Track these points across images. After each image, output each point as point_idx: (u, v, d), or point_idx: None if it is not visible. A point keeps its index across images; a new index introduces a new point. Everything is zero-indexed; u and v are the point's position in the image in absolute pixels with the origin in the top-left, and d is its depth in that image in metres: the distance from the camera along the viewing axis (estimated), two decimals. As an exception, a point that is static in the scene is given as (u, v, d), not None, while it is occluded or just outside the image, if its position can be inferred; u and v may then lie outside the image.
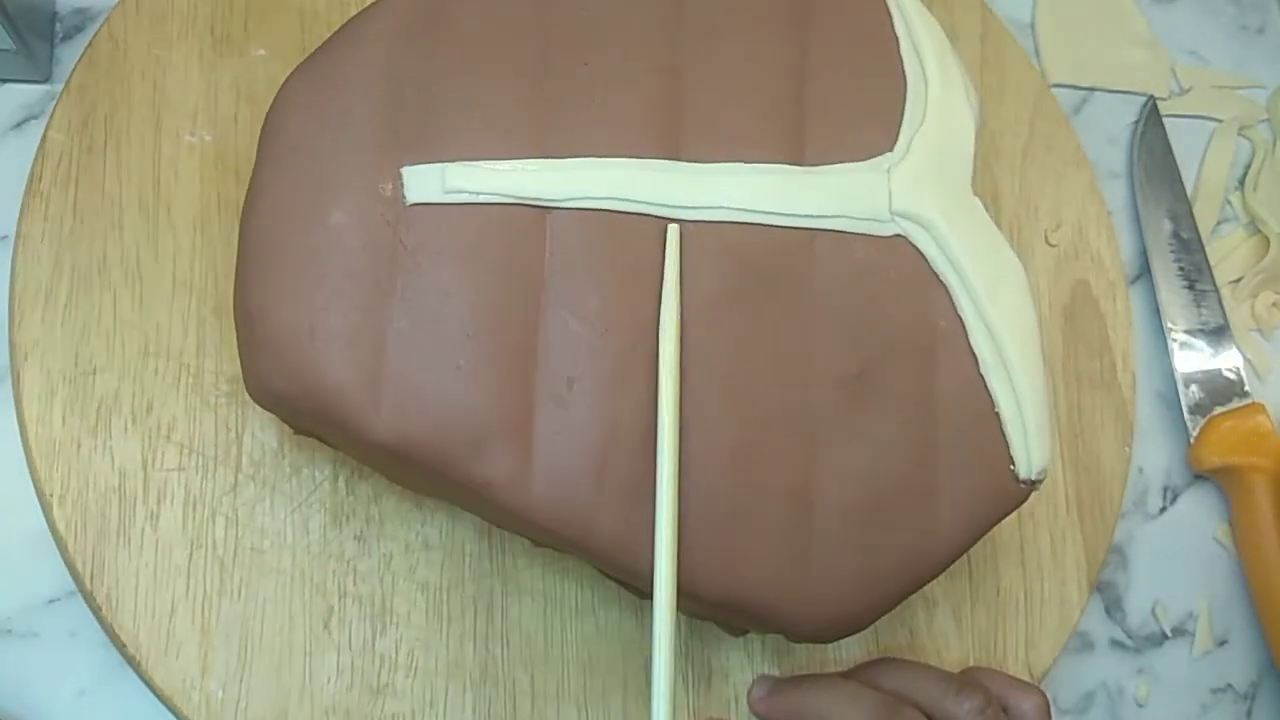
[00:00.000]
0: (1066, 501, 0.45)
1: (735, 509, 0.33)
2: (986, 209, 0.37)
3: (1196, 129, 0.53)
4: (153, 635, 0.36)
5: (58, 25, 0.42)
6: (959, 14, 0.49)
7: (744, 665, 0.40)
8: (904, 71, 0.37)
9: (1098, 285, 0.48)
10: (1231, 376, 0.49)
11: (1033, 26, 0.52)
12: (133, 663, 0.36)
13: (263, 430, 0.39)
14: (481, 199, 0.33)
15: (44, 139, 0.39)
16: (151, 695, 0.36)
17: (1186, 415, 0.49)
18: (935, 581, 0.42)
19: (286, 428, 0.38)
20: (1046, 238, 0.47)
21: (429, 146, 0.33)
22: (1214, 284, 0.50)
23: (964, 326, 0.36)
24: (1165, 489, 0.49)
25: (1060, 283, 0.47)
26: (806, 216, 0.35)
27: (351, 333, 0.32)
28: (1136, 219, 0.51)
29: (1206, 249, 0.50)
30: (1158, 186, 0.50)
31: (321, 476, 0.39)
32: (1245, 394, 0.49)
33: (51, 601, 0.38)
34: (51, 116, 0.39)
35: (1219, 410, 0.48)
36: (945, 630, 0.42)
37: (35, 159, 0.39)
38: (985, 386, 0.35)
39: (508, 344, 0.33)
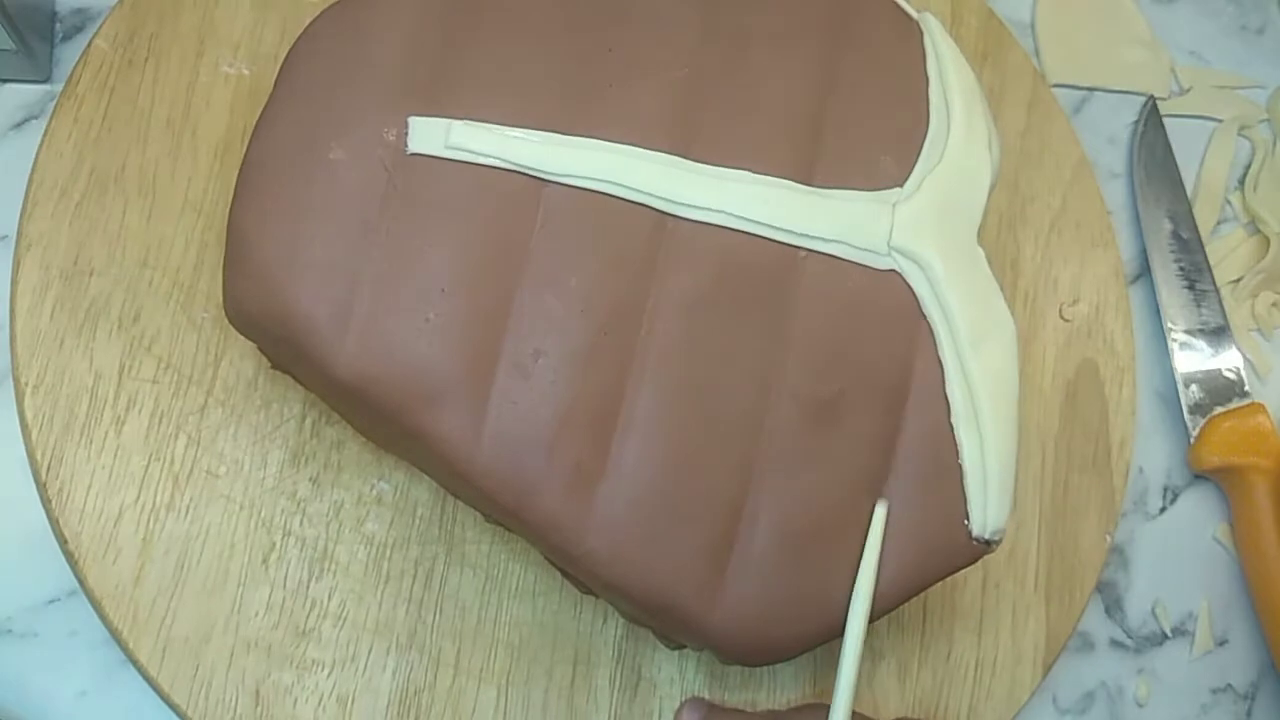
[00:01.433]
0: (1036, 580, 0.44)
1: (668, 508, 0.32)
2: (996, 273, 0.37)
3: (1196, 129, 0.52)
4: (95, 536, 0.37)
5: (58, 25, 0.43)
6: (1009, 78, 0.49)
7: (674, 680, 0.40)
8: (929, 112, 0.37)
9: (1106, 368, 0.47)
10: (1231, 376, 0.48)
11: (1033, 26, 0.52)
12: (70, 559, 0.37)
13: (241, 359, 0.39)
14: (481, 160, 0.33)
15: (90, 46, 0.40)
16: (152, 695, 0.37)
17: (1186, 415, 0.48)
18: (884, 634, 0.42)
19: (264, 361, 0.39)
20: (1061, 312, 0.47)
21: (440, 101, 0.33)
22: (1214, 284, 0.49)
23: (942, 372, 0.35)
24: (1165, 489, 0.48)
25: (1068, 358, 0.46)
26: (803, 235, 0.35)
27: (329, 266, 0.32)
28: (1136, 219, 0.50)
29: (1206, 249, 0.50)
30: (1158, 186, 0.50)
31: (289, 414, 0.39)
32: (1245, 394, 0.48)
33: (51, 601, 0.38)
34: (101, 25, 0.41)
35: (1219, 410, 0.48)
36: (887, 685, 0.41)
37: (77, 63, 0.40)
38: (953, 436, 0.35)
39: (480, 306, 0.33)
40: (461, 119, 0.33)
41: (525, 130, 0.34)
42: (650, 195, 0.34)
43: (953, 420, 0.35)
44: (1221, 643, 0.47)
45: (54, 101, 0.40)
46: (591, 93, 0.35)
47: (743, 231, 0.34)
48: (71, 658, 0.38)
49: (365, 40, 0.34)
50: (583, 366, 0.33)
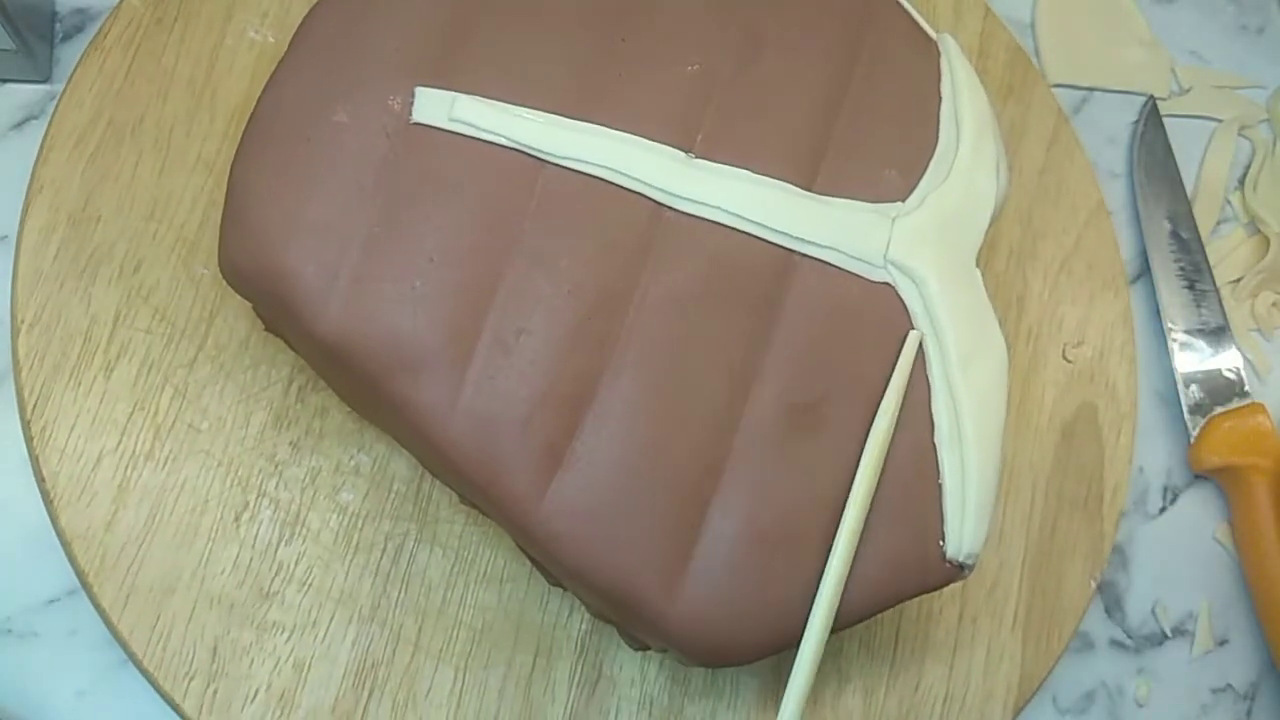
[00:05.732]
0: (1015, 618, 0.43)
1: (636, 497, 0.32)
2: (996, 303, 0.36)
3: (1196, 129, 0.52)
4: (72, 478, 0.37)
5: (58, 25, 0.43)
6: (1033, 115, 0.49)
7: (635, 680, 0.39)
8: (938, 130, 0.37)
9: (1105, 413, 0.46)
10: (1231, 376, 0.48)
11: (1033, 26, 0.52)
12: (45, 499, 0.37)
13: (235, 319, 0.39)
14: (483, 135, 0.33)
15: (121, 2, 0.41)
16: (152, 695, 0.37)
17: (1186, 415, 0.48)
18: (852, 657, 0.41)
19: (258, 323, 0.39)
20: (1064, 352, 0.46)
21: (447, 75, 0.34)
22: (1214, 284, 0.49)
23: (929, 390, 0.35)
24: (1165, 489, 0.48)
25: (1067, 400, 0.46)
26: (799, 239, 0.35)
27: (322, 227, 0.32)
28: (1136, 219, 0.50)
29: (1206, 249, 0.50)
30: (1158, 186, 0.50)
31: (277, 377, 0.39)
32: (1245, 394, 0.48)
33: (51, 601, 0.38)
34: (135, -18, 0.42)
35: (1219, 410, 0.48)
36: (851, 708, 0.41)
37: (108, 18, 0.41)
38: (935, 454, 0.34)
39: (468, 279, 0.33)
40: (467, 93, 0.34)
41: (529, 110, 0.34)
42: (649, 185, 0.34)
43: (936, 439, 0.34)
44: (1221, 643, 0.47)
45: (54, 101, 0.40)
46: (600, 80, 0.35)
47: (738, 230, 0.34)
48: (71, 658, 0.38)
49: (381, 9, 0.34)
50: (564, 348, 0.33)
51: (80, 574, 0.37)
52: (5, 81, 0.42)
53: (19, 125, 0.42)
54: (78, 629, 0.38)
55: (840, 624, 0.34)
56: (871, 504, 0.34)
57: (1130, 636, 0.46)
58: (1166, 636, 0.46)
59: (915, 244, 0.35)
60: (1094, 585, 0.44)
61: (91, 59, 0.40)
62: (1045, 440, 0.45)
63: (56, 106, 0.40)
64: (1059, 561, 0.44)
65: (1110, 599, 0.46)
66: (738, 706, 0.40)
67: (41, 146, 0.40)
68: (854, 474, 0.34)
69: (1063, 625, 0.43)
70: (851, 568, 0.33)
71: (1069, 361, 0.46)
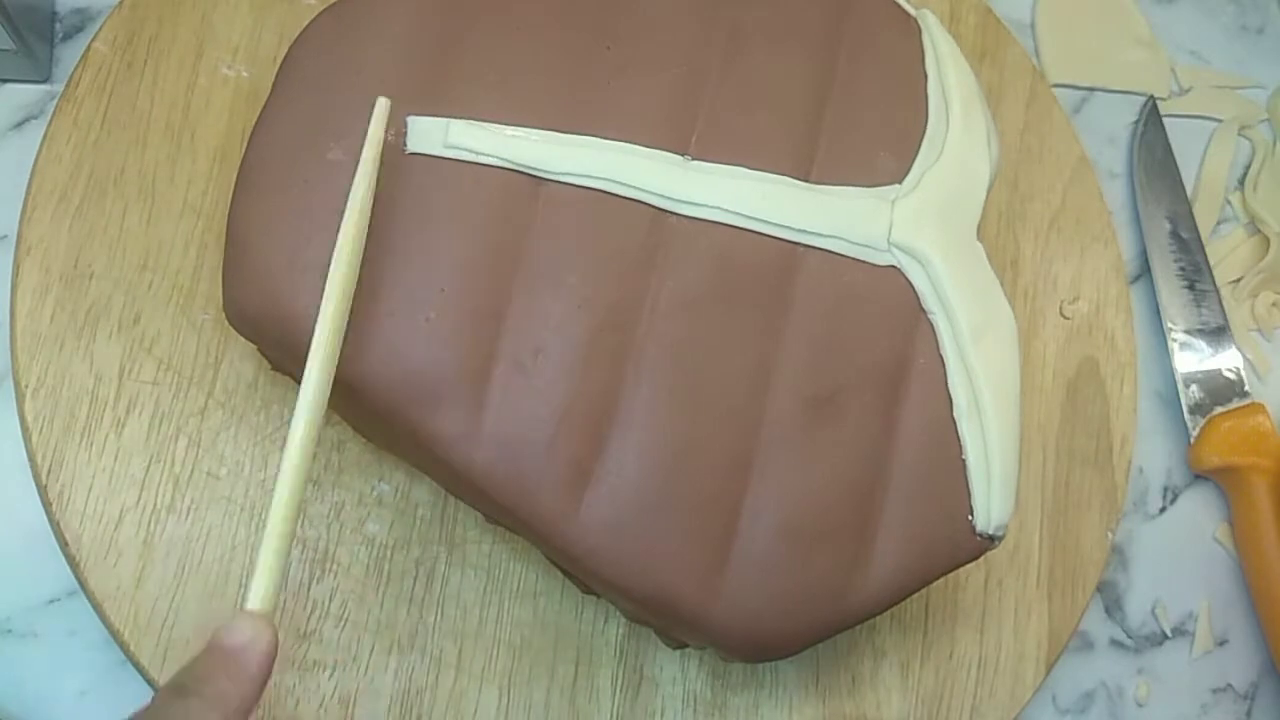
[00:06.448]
0: (1038, 577, 0.44)
1: (668, 505, 0.32)
2: (995, 270, 0.37)
3: (1196, 129, 0.53)
4: (96, 539, 0.37)
5: (58, 25, 0.43)
6: (1008, 75, 0.49)
7: (676, 679, 0.40)
8: (927, 108, 0.37)
9: (1107, 365, 0.47)
10: (1231, 376, 0.49)
11: (1033, 26, 0.52)
12: (71, 562, 0.37)
13: (241, 361, 0.39)
14: (480, 159, 0.33)
15: (88, 49, 0.40)
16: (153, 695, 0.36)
17: (1186, 415, 0.48)
18: (886, 632, 0.41)
19: (265, 363, 0.39)
20: (1061, 309, 0.47)
21: (438, 100, 0.34)
22: (1214, 284, 0.49)
23: (944, 367, 0.35)
24: (1165, 489, 0.48)
25: (1068, 356, 0.46)
26: (801, 231, 0.35)
27: (328, 267, 0.32)
28: (1136, 219, 0.51)
29: (1206, 249, 0.50)
30: (1158, 186, 0.50)
31: (289, 416, 0.39)
32: (1245, 394, 0.48)
33: (51, 601, 0.38)
34: (100, 29, 0.41)
35: (1219, 410, 0.48)
36: (890, 683, 0.41)
37: (76, 66, 0.40)
38: (956, 431, 0.35)
39: (479, 305, 0.33)
40: (460, 118, 0.33)
41: (523, 129, 0.34)
42: (648, 192, 0.34)
43: (955, 415, 0.35)
44: (1221, 643, 0.47)
45: (54, 101, 0.40)
46: (589, 90, 0.35)
47: (741, 228, 0.35)
48: (71, 658, 0.38)
49: (362, 41, 0.34)
50: (581, 364, 0.33)
51: (115, 634, 0.36)
52: (5, 81, 0.42)
53: (19, 125, 0.42)
54: (78, 629, 0.38)
55: (880, 608, 0.34)
56: (898, 486, 0.34)
57: (1130, 636, 0.46)
58: (1166, 636, 0.47)
59: (917, 224, 0.35)
60: (1111, 537, 0.45)
61: (65, 111, 0.40)
62: (1051, 398, 0.46)
63: (35, 164, 0.39)
64: (1076, 517, 0.45)
65: (1110, 599, 0.46)
66: (779, 694, 0.40)
67: (24, 206, 0.39)
68: (878, 458, 0.34)
69: (1085, 579, 0.44)
70: (885, 549, 0.34)
71: (1066, 318, 0.47)
